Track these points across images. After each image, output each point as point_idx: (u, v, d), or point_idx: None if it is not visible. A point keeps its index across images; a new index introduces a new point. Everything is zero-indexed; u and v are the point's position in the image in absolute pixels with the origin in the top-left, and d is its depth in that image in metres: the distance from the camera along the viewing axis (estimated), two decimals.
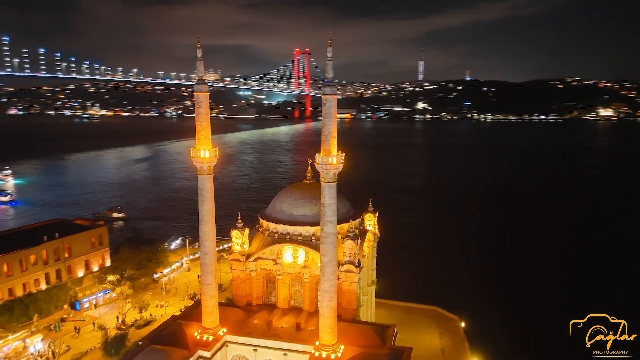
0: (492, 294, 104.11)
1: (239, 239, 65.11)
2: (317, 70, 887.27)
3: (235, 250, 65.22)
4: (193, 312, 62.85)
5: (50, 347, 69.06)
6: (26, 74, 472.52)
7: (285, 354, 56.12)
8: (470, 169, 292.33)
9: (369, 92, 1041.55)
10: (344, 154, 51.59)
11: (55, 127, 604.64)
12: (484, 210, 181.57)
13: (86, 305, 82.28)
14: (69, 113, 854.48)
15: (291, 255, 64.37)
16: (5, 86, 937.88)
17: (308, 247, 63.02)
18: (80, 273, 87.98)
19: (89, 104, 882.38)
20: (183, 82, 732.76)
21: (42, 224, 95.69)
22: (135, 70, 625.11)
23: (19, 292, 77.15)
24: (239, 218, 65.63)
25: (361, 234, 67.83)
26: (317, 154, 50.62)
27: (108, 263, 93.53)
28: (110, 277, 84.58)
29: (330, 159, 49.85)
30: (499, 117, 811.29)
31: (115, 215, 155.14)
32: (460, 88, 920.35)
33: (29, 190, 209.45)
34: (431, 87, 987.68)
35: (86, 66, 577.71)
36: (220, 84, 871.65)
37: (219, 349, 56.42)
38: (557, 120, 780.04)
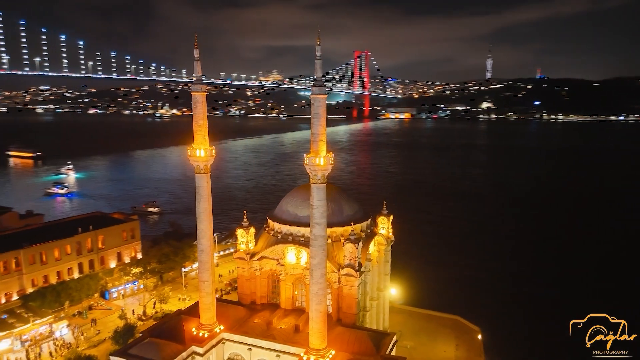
0: (514, 304, 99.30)
1: (243, 237, 65.88)
2: (377, 69, 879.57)
3: (240, 249, 66.07)
4: (197, 308, 64.22)
5: (74, 333, 73.71)
6: (100, 76, 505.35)
7: (278, 355, 55.98)
8: (528, 173, 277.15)
9: (431, 91, 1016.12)
10: (332, 155, 50.51)
11: (128, 126, 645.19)
12: (524, 218, 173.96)
13: (115, 295, 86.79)
14: (142, 112, 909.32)
15: (294, 256, 64.14)
16: (87, 87, 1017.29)
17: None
18: (113, 264, 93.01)
19: (159, 104, 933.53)
20: (243, 82, 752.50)
21: (82, 216, 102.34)
22: (187, 71, 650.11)
23: (53, 280, 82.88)
24: (245, 217, 66.43)
25: (367, 237, 66.18)
26: (305, 155, 49.95)
27: (140, 256, 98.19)
28: (134, 270, 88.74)
29: (318, 160, 48.98)
30: (572, 117, 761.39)
31: (150, 209, 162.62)
32: (529, 87, 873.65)
33: (87, 183, 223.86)
34: (498, 85, 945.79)
35: (154, 68, 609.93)
36: (281, 85, 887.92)
37: (214, 346, 57.30)
38: (637, 120, 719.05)
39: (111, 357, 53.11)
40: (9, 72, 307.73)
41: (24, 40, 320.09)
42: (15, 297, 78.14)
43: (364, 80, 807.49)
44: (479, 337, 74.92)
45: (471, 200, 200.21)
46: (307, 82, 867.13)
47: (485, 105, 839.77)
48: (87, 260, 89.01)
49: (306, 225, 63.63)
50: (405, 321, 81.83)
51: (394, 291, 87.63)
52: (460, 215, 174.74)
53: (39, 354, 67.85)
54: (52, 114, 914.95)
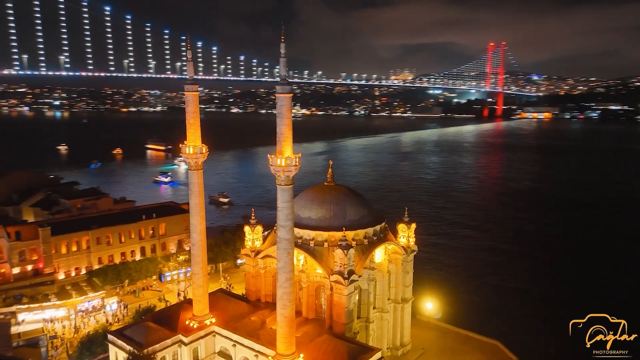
0: (561, 336, 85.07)
1: (250, 235, 67.03)
2: (514, 65, 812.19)
3: (247, 246, 67.37)
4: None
5: (121, 309, 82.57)
6: (243, 79, 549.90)
7: (256, 356, 55.91)
8: None
9: (581, 88, 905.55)
10: (298, 155, 48.89)
11: (260, 124, 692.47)
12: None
13: (168, 278, 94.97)
14: (276, 112, 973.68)
15: (295, 258, 63.18)
16: (233, 89, 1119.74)
17: (305, 251, 61.15)
18: (173, 250, 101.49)
19: (292, 103, 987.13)
20: (365, 82, 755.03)
21: (157, 205, 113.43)
22: (321, 72, 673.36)
23: (117, 260, 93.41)
24: (252, 215, 67.66)
25: (371, 244, 62.28)
26: (269, 155, 49.19)
27: None
28: (181, 257, 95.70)
29: (279, 161, 47.81)
30: None
31: (221, 199, 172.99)
32: None
33: None
34: None
35: (290, 70, 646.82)
36: (410, 83, 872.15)
37: (202, 337, 59.21)
38: None
39: (108, 335, 58.36)
40: (154, 76, 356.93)
41: (167, 47, 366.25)
42: (83, 271, 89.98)
43: (498, 76, 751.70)
44: None
45: (574, 211, 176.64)
46: (440, 79, 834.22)
47: None
48: (150, 245, 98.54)
49: (305, 227, 62.65)
50: (437, 339, 75.18)
51: (430, 305, 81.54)
52: (551, 228, 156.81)
53: (85, 324, 77.30)
54: (202, 113, 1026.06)
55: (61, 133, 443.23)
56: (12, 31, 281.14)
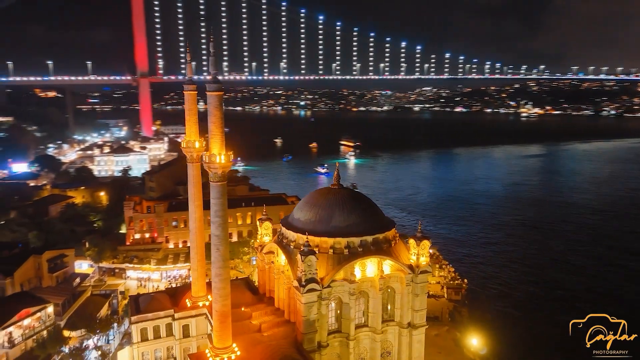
0: None
1: (260, 229, 68.39)
2: None
3: (257, 240, 68.93)
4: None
5: None
6: (471, 77, 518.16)
7: None
8: None
9: None
10: (230, 154, 48.67)
11: (476, 124, 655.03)
12: None
13: (254, 262, 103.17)
14: (504, 111, 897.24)
15: (285, 259, 62.20)
16: (463, 87, 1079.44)
17: (285, 253, 59.53)
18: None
19: (523, 102, 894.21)
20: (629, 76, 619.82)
21: (269, 195, 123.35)
22: (571, 66, 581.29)
23: None
24: (264, 210, 68.88)
25: (353, 254, 56.11)
26: (203, 153, 50.30)
27: None
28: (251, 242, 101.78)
29: (205, 158, 48.68)
30: None
31: None
32: None
33: (357, 168, 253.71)
34: None
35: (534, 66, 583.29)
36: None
37: (193, 316, 64.18)
38: None
39: (129, 297, 68.74)
40: (381, 77, 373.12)
41: (371, 48, 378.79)
42: (188, 244, 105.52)
43: None
44: None
45: None
46: None
47: None
48: (247, 230, 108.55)
49: (292, 228, 61.44)
50: None
51: (475, 341, 68.24)
52: None
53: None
54: (427, 112, 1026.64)
55: (291, 128, 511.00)
56: (245, 42, 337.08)
